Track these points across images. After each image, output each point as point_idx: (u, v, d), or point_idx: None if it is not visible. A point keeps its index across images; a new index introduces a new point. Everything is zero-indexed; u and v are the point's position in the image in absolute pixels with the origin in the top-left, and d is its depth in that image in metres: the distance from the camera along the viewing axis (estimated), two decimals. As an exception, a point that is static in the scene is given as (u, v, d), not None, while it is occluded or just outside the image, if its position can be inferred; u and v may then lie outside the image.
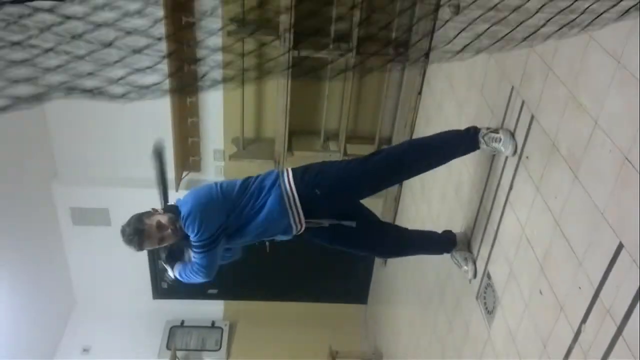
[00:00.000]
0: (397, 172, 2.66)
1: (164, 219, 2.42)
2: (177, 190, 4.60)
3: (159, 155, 2.67)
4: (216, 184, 2.58)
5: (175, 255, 2.63)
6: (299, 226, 2.56)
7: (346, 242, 2.75)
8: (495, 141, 2.43)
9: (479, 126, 2.56)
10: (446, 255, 2.98)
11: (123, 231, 2.42)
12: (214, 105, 4.62)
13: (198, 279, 2.55)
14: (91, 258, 5.40)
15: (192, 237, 2.43)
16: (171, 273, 2.65)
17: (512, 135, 2.41)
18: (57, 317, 5.52)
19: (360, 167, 2.60)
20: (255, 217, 2.53)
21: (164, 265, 2.66)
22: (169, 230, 2.42)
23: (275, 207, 2.51)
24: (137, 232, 2.39)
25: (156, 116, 4.51)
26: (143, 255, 5.48)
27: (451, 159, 2.69)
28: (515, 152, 2.38)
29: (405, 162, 2.61)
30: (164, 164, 2.68)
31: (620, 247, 1.65)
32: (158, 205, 2.57)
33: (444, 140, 2.65)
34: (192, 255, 2.52)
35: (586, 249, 1.83)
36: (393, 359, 4.61)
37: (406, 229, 3.09)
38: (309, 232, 2.64)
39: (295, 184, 2.52)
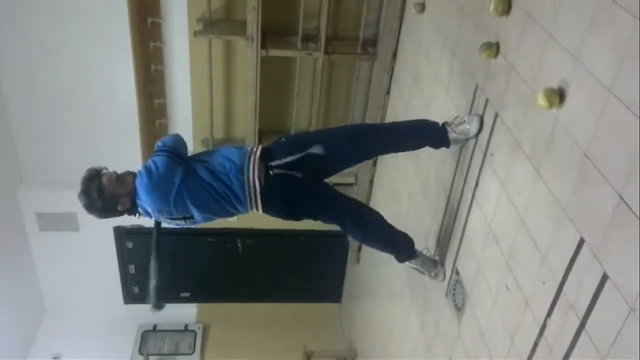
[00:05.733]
0: (363, 135, 2.66)
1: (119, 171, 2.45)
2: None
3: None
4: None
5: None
6: (253, 156, 2.48)
7: (314, 200, 2.60)
8: (461, 124, 2.49)
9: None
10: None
11: (79, 194, 2.41)
12: (182, 106, 4.58)
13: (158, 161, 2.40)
14: (60, 264, 5.31)
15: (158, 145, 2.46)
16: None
17: (475, 114, 2.46)
18: (27, 325, 5.40)
19: (326, 127, 2.82)
20: (213, 154, 2.56)
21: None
22: (130, 177, 2.41)
23: (233, 148, 2.56)
24: (93, 172, 2.41)
25: (123, 118, 4.46)
26: (113, 260, 5.41)
27: (420, 141, 2.68)
28: (481, 126, 2.41)
29: (373, 128, 2.77)
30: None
31: (581, 242, 1.68)
32: None
33: (414, 121, 2.81)
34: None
35: (549, 244, 1.86)
36: (367, 356, 4.63)
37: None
38: (275, 189, 2.50)
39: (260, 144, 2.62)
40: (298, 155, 2.47)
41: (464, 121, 2.48)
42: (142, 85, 4.18)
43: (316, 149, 2.46)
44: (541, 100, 1.80)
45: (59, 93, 4.45)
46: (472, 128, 2.44)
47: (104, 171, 2.43)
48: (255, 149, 2.55)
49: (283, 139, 2.61)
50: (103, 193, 2.38)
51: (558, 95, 1.78)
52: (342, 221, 2.62)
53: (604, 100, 1.59)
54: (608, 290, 1.56)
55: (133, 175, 2.41)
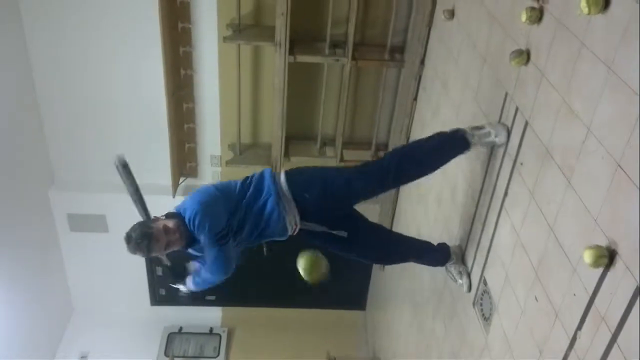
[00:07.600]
0: (390, 181, 2.65)
1: (170, 223, 2.38)
2: (174, 197, 4.60)
3: (124, 169, 2.56)
4: (213, 185, 2.59)
5: (180, 274, 2.64)
6: (294, 226, 2.59)
7: (339, 247, 2.75)
8: (487, 136, 2.45)
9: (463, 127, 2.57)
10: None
11: (128, 237, 2.32)
12: (211, 111, 4.63)
13: (217, 277, 2.51)
14: (89, 264, 5.40)
15: (204, 235, 2.38)
16: (184, 288, 2.64)
17: (498, 122, 2.43)
18: (55, 324, 5.50)
19: (353, 176, 2.61)
20: (255, 219, 2.54)
21: (174, 285, 2.65)
22: (177, 234, 2.37)
23: (274, 208, 2.52)
24: (145, 235, 2.30)
25: (153, 121, 4.52)
26: (141, 262, 5.47)
27: (445, 162, 2.66)
28: (509, 135, 2.38)
29: (399, 172, 2.59)
30: (132, 177, 2.57)
31: (614, 253, 1.65)
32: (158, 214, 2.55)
33: (436, 143, 2.63)
34: (206, 255, 2.48)
35: (580, 255, 1.82)
36: (391, 364, 4.60)
37: (401, 237, 3.07)
38: (304, 233, 2.64)
39: (289, 186, 2.55)
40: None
41: (490, 133, 2.44)
42: (172, 89, 4.24)
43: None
44: (587, 258, 1.67)
45: (91, 96, 4.54)
46: (501, 137, 2.41)
47: (153, 227, 2.37)
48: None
49: (307, 196, 2.55)
50: (150, 254, 2.42)
51: (606, 257, 1.65)
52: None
53: (638, 109, 1.56)
54: (641, 303, 1.53)
55: (181, 239, 2.42)
